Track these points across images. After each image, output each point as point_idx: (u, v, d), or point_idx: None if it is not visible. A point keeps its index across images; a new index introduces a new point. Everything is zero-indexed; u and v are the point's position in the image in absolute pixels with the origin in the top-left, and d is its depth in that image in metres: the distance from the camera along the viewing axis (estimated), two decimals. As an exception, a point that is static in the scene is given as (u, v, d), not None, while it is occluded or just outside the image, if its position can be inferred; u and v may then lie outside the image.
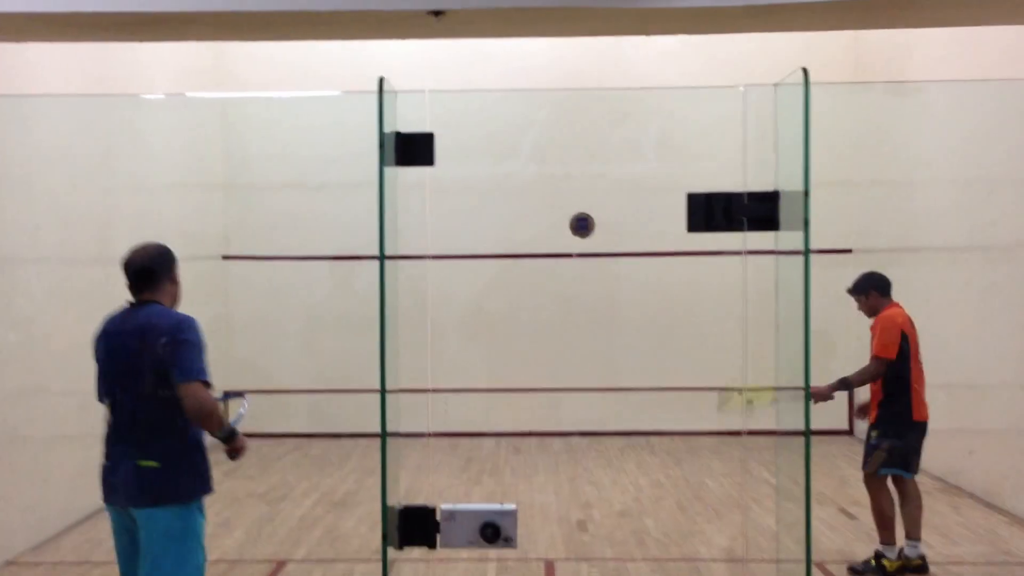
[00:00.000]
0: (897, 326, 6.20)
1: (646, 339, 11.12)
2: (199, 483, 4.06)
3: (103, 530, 7.29)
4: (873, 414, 6.29)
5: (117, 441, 4.04)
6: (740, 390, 5.72)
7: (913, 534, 6.24)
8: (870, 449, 6.27)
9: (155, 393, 3.97)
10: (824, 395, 6.10)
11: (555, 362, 11.14)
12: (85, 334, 7.89)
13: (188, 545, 3.97)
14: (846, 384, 6.21)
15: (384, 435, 4.18)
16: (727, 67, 10.30)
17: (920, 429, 6.24)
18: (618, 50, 10.89)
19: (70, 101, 7.58)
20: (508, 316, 11.19)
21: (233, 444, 4.07)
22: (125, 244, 9.05)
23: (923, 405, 6.24)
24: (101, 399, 4.17)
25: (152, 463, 3.95)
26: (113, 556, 5.68)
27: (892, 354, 6.15)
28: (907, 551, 6.20)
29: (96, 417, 8.07)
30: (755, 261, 5.93)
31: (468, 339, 11.15)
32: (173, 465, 3.97)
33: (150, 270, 4.22)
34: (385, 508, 3.92)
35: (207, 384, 3.98)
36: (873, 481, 6.28)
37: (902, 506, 6.28)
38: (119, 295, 8.70)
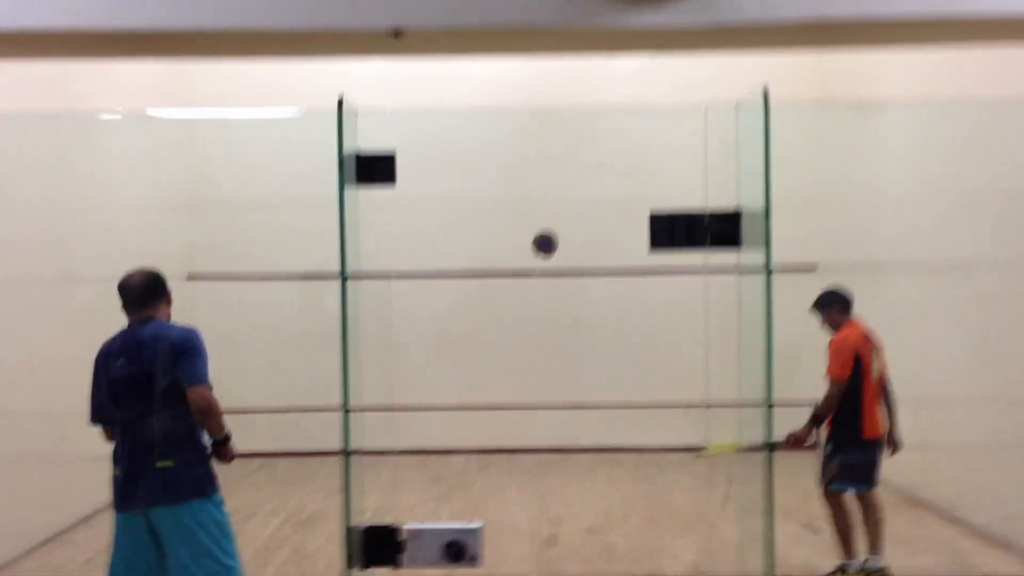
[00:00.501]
0: (848, 347, 6.29)
1: (614, 356, 11.18)
2: (213, 478, 4.48)
3: (64, 554, 7.24)
4: (827, 431, 6.37)
5: (131, 450, 4.34)
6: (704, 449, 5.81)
7: (875, 547, 6.32)
8: (823, 464, 6.38)
9: (167, 400, 4.37)
10: (803, 439, 6.21)
11: (524, 379, 11.17)
12: (42, 354, 7.84)
13: (225, 531, 4.40)
14: (817, 419, 6.28)
15: (347, 453, 4.18)
16: (694, 87, 10.40)
17: (872, 446, 6.33)
18: (585, 70, 10.97)
19: (27, 120, 7.53)
20: (477, 334, 11.22)
21: (227, 447, 4.45)
22: (85, 264, 9.01)
23: (875, 422, 6.33)
24: (102, 415, 4.45)
25: (168, 463, 4.32)
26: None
27: (845, 375, 6.24)
28: (870, 563, 6.28)
29: (52, 438, 7.97)
30: (719, 279, 5.98)
31: (437, 357, 11.17)
32: (188, 463, 4.36)
33: (149, 292, 4.58)
34: (348, 528, 3.91)
35: (210, 389, 4.43)
36: (828, 496, 6.38)
37: (864, 520, 6.37)
38: (78, 314, 8.63)
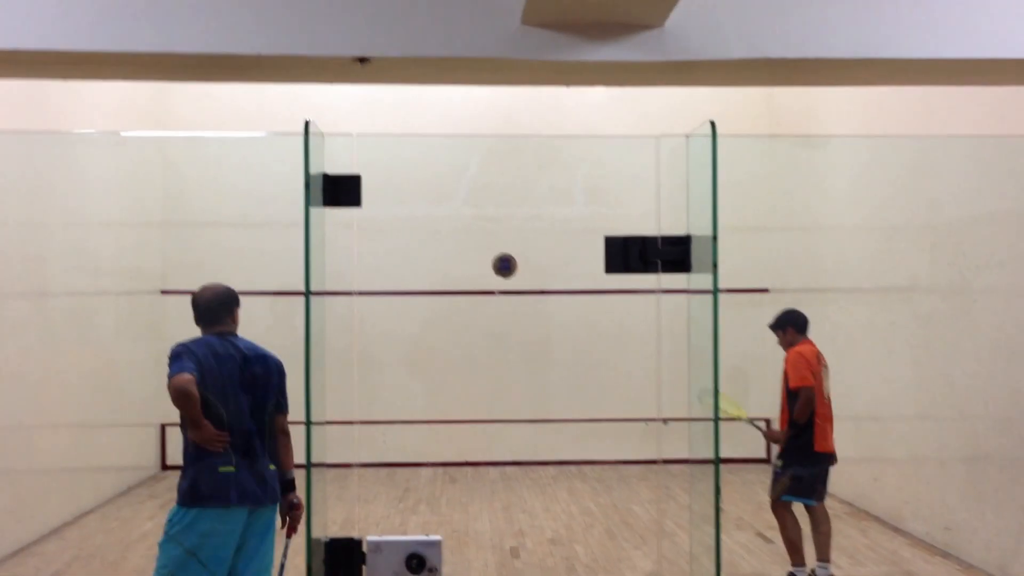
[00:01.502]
0: (804, 359, 6.57)
1: (575, 373, 11.44)
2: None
3: (31, 566, 7.32)
4: (782, 445, 6.64)
5: (245, 451, 4.60)
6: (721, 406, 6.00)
7: (823, 556, 6.57)
8: (775, 477, 6.64)
9: (268, 413, 4.71)
10: (781, 438, 6.64)
11: (489, 395, 11.40)
12: (15, 367, 7.95)
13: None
14: (795, 425, 6.56)
15: (308, 466, 4.38)
16: (653, 118, 10.70)
17: (823, 460, 6.60)
18: (552, 99, 11.27)
19: (2, 136, 7.63)
20: (444, 351, 11.44)
21: (294, 493, 4.83)
22: (60, 279, 9.15)
23: (827, 438, 6.59)
24: (206, 412, 4.54)
25: (272, 467, 4.70)
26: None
27: (811, 382, 6.51)
28: (818, 572, 6.52)
29: (23, 452, 8.07)
30: (672, 299, 6.24)
31: (405, 373, 11.36)
32: (275, 472, 4.72)
33: (228, 305, 4.80)
34: (309, 541, 4.11)
35: None
36: (778, 507, 6.63)
37: (812, 530, 6.62)
38: (52, 328, 8.75)
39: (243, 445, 4.60)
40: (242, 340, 4.78)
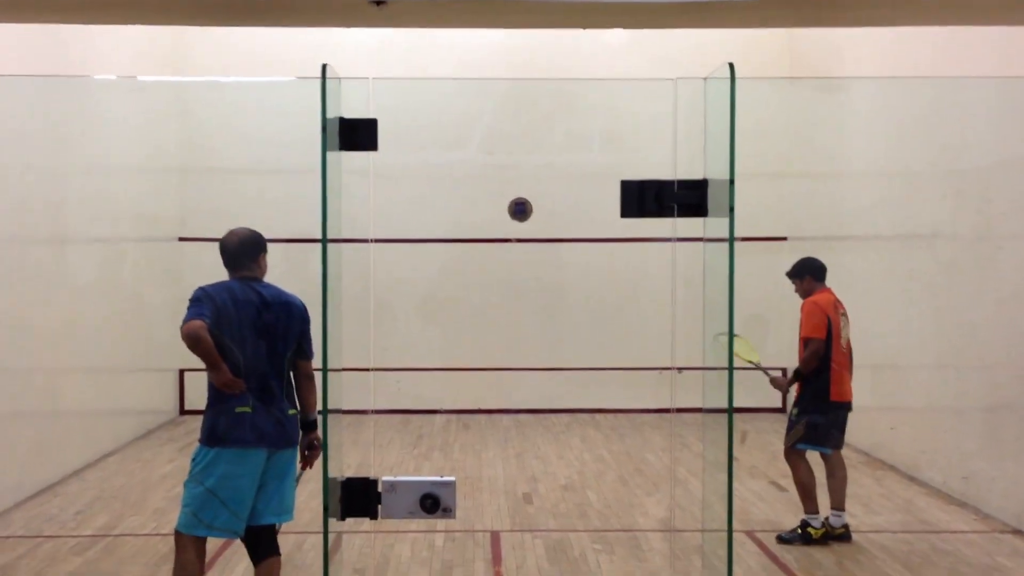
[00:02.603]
0: (820, 309, 6.53)
1: (591, 321, 11.43)
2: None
3: (55, 505, 7.46)
4: (796, 393, 6.63)
5: (263, 395, 4.64)
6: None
7: (837, 505, 6.58)
8: (790, 425, 6.63)
9: (289, 357, 4.74)
10: (784, 385, 6.72)
11: (503, 343, 11.41)
12: (38, 312, 8.03)
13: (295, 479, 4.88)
14: (799, 375, 6.54)
15: (325, 412, 4.40)
16: (672, 62, 10.55)
17: (839, 408, 6.58)
18: (571, 43, 11.13)
19: (22, 80, 7.62)
20: (458, 299, 11.44)
21: (316, 431, 4.86)
22: (80, 224, 9.19)
23: (843, 386, 6.57)
24: (223, 354, 4.56)
25: (294, 411, 4.75)
26: (63, 530, 5.86)
27: (822, 334, 6.48)
28: (831, 520, 6.54)
29: (46, 395, 8.19)
30: (688, 248, 6.19)
31: (421, 320, 11.39)
32: (294, 416, 4.77)
33: (253, 249, 4.80)
34: (326, 480, 4.14)
35: None
36: (792, 455, 6.63)
37: (827, 478, 6.62)
38: (71, 273, 8.82)
39: (260, 388, 4.64)
40: (266, 286, 4.78)
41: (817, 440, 6.55)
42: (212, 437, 4.59)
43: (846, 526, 6.56)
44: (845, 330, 6.64)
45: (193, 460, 4.66)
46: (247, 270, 4.77)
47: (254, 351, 4.63)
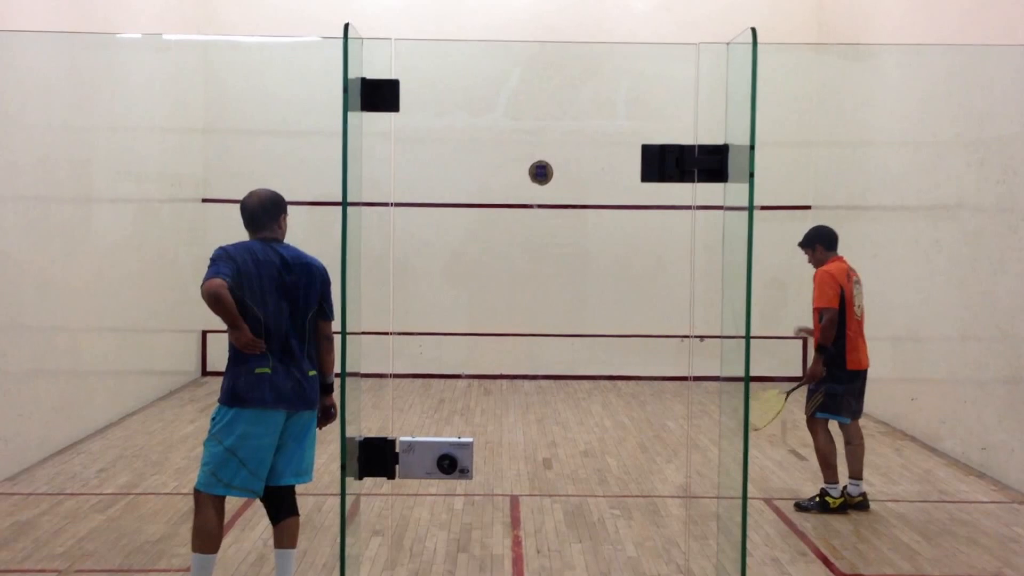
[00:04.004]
0: (832, 279, 6.47)
1: (614, 287, 11.41)
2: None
3: (77, 463, 7.56)
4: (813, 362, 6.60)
5: (284, 356, 4.64)
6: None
7: (855, 473, 6.58)
8: (809, 394, 6.61)
9: (310, 318, 4.73)
10: (816, 374, 6.50)
11: (525, 308, 11.43)
12: (62, 271, 8.11)
13: (314, 441, 4.89)
14: (823, 350, 6.48)
15: (344, 375, 4.43)
16: (698, 27, 10.46)
17: (855, 377, 6.55)
18: (597, 7, 11.04)
19: (47, 38, 7.62)
20: (480, 264, 11.45)
21: (331, 395, 4.85)
22: (104, 183, 9.25)
23: (859, 354, 6.53)
24: (244, 316, 4.57)
25: (314, 372, 4.73)
26: (85, 488, 5.95)
27: (835, 304, 6.43)
28: (850, 489, 6.54)
29: (70, 354, 8.28)
30: (708, 215, 6.15)
31: (442, 285, 11.41)
32: (315, 377, 4.76)
33: (274, 210, 4.77)
34: (344, 440, 4.17)
35: None
36: (813, 423, 6.62)
37: (846, 447, 6.61)
38: (96, 232, 8.86)
39: (281, 349, 4.64)
40: (286, 247, 4.76)
41: (836, 409, 6.53)
42: (232, 397, 4.60)
43: (864, 495, 6.56)
44: (859, 298, 6.58)
45: (213, 419, 4.69)
46: (268, 231, 4.76)
47: (275, 311, 4.63)
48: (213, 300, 4.44)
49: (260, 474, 4.65)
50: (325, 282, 4.76)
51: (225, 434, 4.61)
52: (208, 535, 4.67)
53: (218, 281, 4.44)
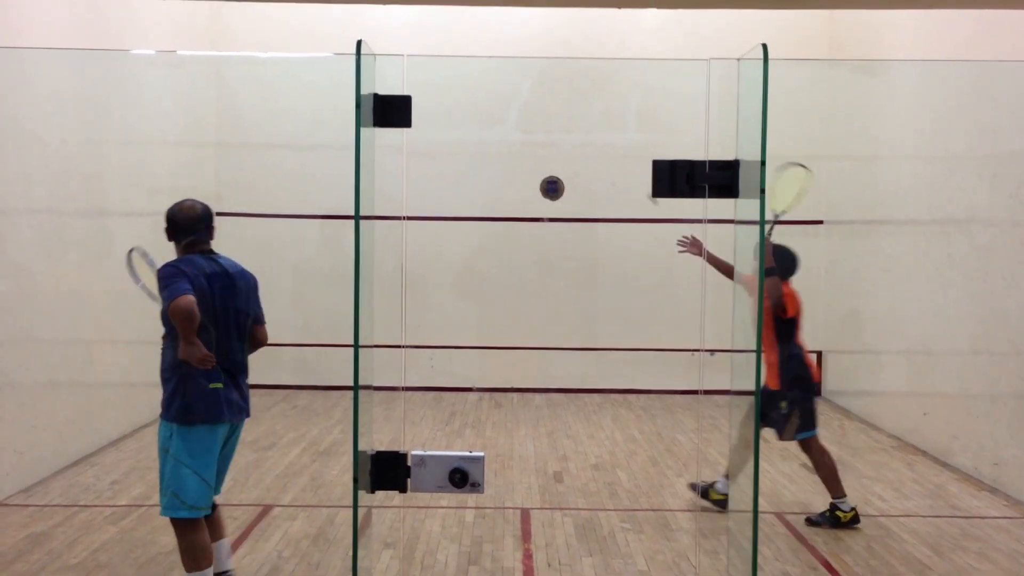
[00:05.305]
0: (792, 294, 6.53)
1: (625, 301, 11.41)
2: None
3: (91, 475, 7.59)
4: (776, 381, 6.51)
5: (230, 368, 4.73)
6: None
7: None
8: (784, 421, 6.50)
9: (249, 326, 4.86)
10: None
11: (537, 322, 11.44)
12: (75, 283, 8.16)
13: None
14: (781, 321, 6.43)
15: (356, 388, 4.45)
16: (708, 42, 10.48)
17: (814, 387, 6.65)
18: (606, 22, 11.08)
19: (62, 55, 7.68)
20: (492, 277, 11.48)
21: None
22: (117, 196, 9.30)
23: (815, 366, 6.66)
24: (201, 330, 4.63)
25: (247, 382, 4.86)
26: (99, 500, 5.99)
27: (790, 312, 6.47)
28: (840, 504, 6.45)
29: (83, 366, 8.31)
30: (719, 229, 6.17)
31: (453, 298, 11.43)
32: (249, 385, 4.90)
33: (207, 222, 4.86)
34: (356, 453, 4.19)
35: None
36: (804, 446, 6.58)
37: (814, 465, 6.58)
38: (109, 245, 8.93)
39: (230, 362, 4.72)
40: (223, 257, 4.83)
41: (812, 423, 6.52)
42: (187, 414, 4.61)
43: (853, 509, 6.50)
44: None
45: (165, 438, 4.68)
46: (205, 243, 4.80)
47: (224, 324, 4.69)
48: (187, 317, 4.45)
49: (213, 487, 4.79)
50: (257, 287, 4.93)
51: (185, 453, 4.63)
52: (200, 553, 4.72)
53: (190, 297, 4.47)
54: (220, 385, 4.65)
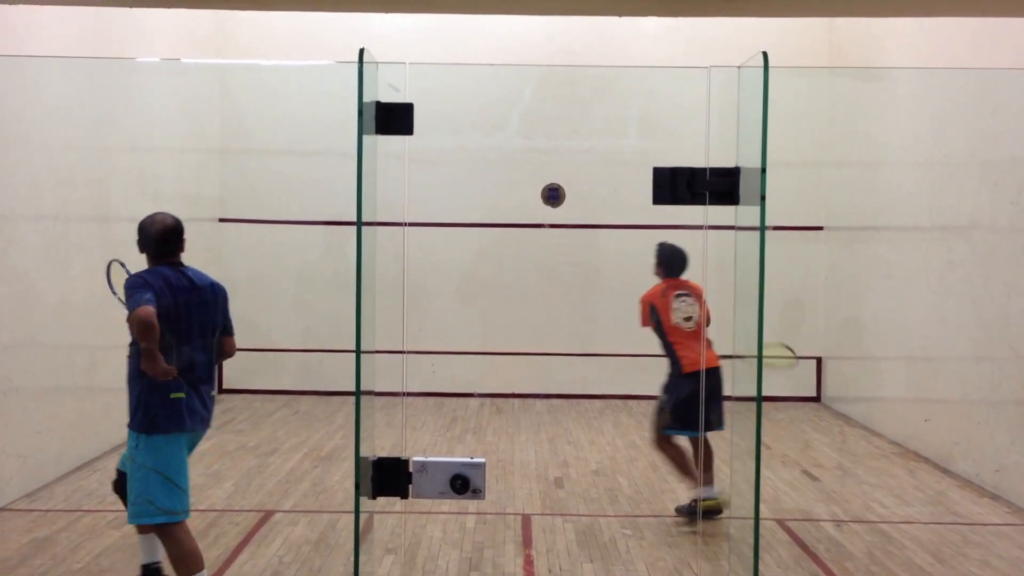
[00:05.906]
0: (642, 303, 6.85)
1: (626, 307, 11.37)
2: None
3: (94, 480, 7.61)
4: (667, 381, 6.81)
5: (194, 378, 4.76)
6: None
7: (709, 481, 6.64)
8: (657, 414, 6.76)
9: (216, 337, 4.89)
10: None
11: (539, 328, 11.46)
12: (79, 289, 8.19)
13: None
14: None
15: (358, 393, 4.46)
16: (709, 49, 10.53)
17: (696, 379, 6.59)
18: (607, 30, 11.12)
19: (68, 63, 7.73)
20: (493, 283, 11.50)
21: None
22: (122, 204, 9.33)
23: (694, 354, 6.63)
24: (163, 341, 4.64)
25: (214, 393, 4.92)
26: (102, 505, 6.01)
27: (645, 322, 6.79)
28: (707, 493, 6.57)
29: (86, 371, 8.34)
30: (720, 236, 6.20)
31: (455, 304, 11.46)
32: (213, 396, 4.95)
33: (179, 235, 4.90)
34: (358, 459, 4.20)
35: None
36: (658, 443, 6.80)
37: (694, 456, 6.72)
38: (114, 252, 8.95)
39: (193, 373, 4.76)
40: (191, 269, 4.88)
41: (684, 424, 6.62)
42: (149, 425, 4.68)
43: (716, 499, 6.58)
44: (681, 310, 6.71)
45: (132, 445, 4.75)
46: (175, 256, 4.86)
47: (188, 336, 4.74)
48: (145, 328, 4.47)
49: (187, 490, 4.82)
50: (227, 299, 4.97)
51: (151, 458, 4.69)
52: (190, 558, 4.75)
53: (150, 308, 4.50)
54: (182, 395, 4.70)
